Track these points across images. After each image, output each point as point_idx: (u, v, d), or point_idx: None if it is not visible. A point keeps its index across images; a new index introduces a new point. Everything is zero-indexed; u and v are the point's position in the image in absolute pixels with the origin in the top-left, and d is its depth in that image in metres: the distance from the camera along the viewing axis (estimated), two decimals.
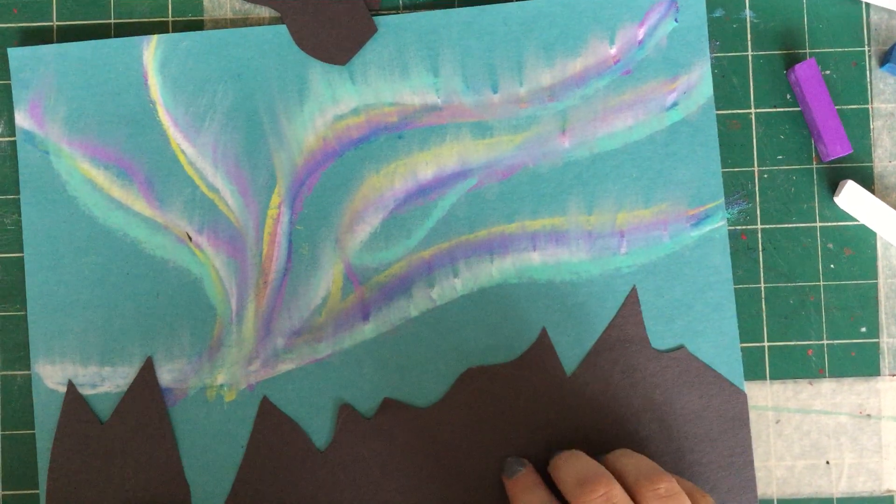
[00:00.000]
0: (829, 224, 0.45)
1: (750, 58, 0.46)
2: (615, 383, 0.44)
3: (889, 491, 0.44)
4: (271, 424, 0.44)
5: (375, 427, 0.44)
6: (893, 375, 0.45)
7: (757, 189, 0.45)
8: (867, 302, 0.45)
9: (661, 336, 0.44)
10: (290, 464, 0.44)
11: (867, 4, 0.46)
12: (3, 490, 0.45)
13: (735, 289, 0.45)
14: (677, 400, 0.44)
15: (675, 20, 0.45)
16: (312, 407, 0.44)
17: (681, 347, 0.44)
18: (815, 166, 0.45)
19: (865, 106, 0.45)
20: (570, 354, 0.44)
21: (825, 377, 0.45)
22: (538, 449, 0.44)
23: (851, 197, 0.44)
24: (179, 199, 0.45)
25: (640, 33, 0.45)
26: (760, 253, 0.45)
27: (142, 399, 0.44)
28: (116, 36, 0.46)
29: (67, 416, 0.44)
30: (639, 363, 0.44)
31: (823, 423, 0.45)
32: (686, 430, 0.44)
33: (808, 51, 0.46)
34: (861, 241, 0.45)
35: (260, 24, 0.46)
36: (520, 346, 0.44)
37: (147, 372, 0.44)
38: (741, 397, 0.44)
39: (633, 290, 0.44)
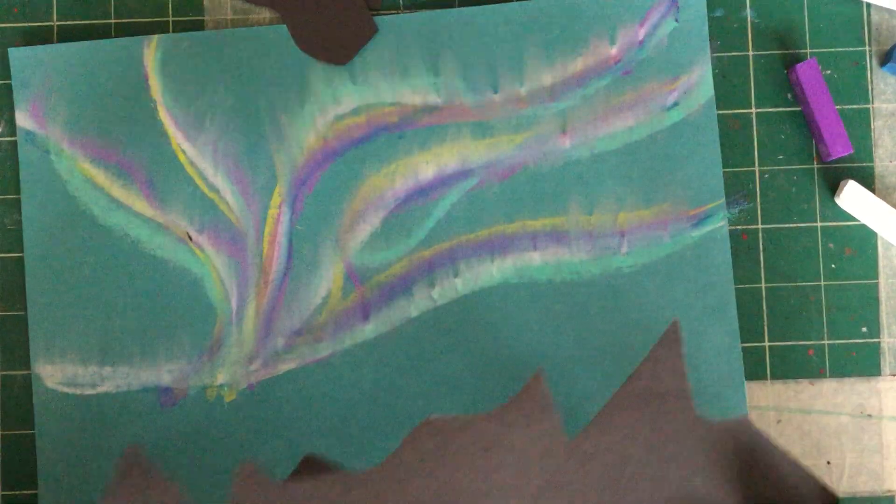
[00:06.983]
0: (830, 224, 0.45)
1: (750, 57, 0.46)
2: (638, 458, 0.32)
3: (890, 491, 0.44)
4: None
5: (287, 495, 0.35)
6: (894, 375, 0.45)
7: (758, 189, 0.45)
8: (868, 302, 0.45)
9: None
10: None
11: (868, 4, 0.46)
12: (2, 490, 0.45)
13: (736, 289, 0.45)
14: (730, 495, 0.31)
15: (676, 20, 0.45)
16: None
17: (743, 416, 0.30)
18: (815, 166, 0.45)
19: (866, 106, 0.45)
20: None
21: (826, 377, 0.45)
22: None
23: (852, 197, 0.44)
24: (180, 199, 0.45)
25: (641, 33, 0.45)
26: (761, 253, 0.45)
27: None
28: (117, 36, 0.46)
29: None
30: (677, 431, 0.32)
31: (824, 424, 0.45)
32: None
33: (808, 50, 0.46)
34: (862, 240, 0.45)
35: (260, 25, 0.46)
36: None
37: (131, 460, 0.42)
38: (830, 498, 0.32)
39: (675, 324, 0.33)
